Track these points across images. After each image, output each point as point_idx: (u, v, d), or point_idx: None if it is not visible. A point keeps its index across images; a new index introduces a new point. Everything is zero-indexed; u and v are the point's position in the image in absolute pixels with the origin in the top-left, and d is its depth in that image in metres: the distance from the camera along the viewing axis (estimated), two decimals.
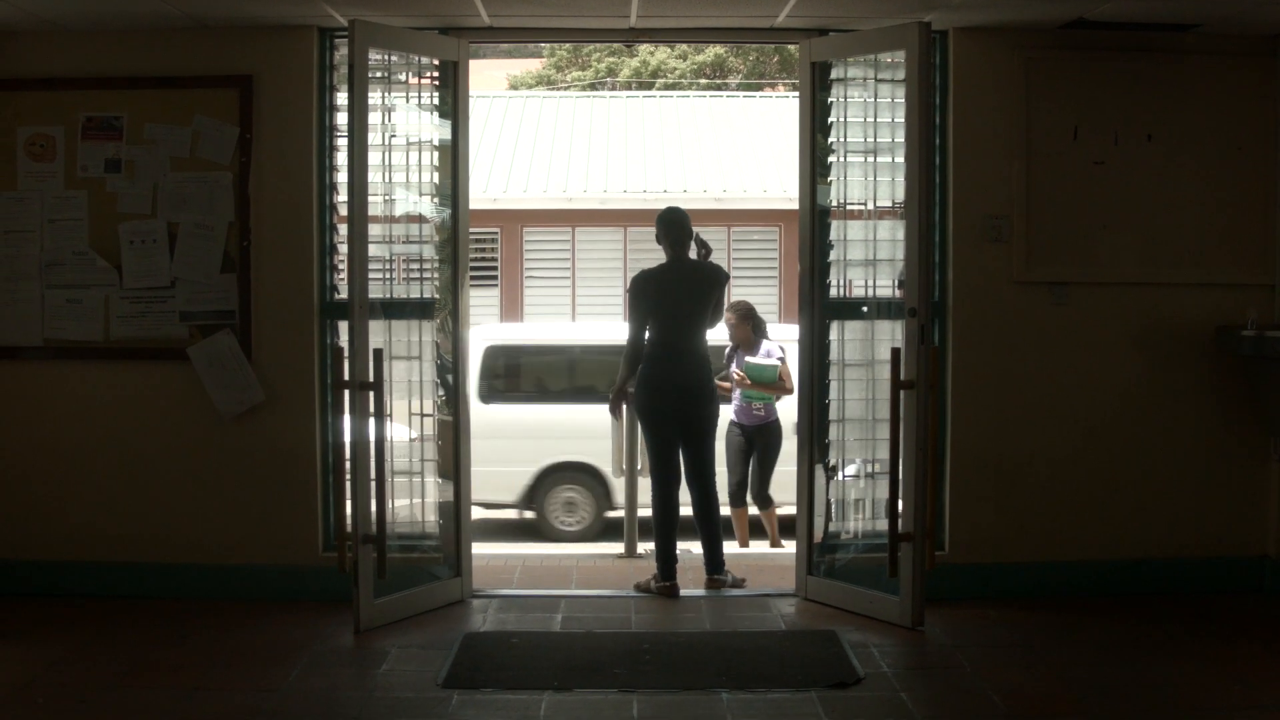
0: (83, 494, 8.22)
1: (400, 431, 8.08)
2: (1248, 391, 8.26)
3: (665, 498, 8.62)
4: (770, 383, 10.82)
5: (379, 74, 7.77)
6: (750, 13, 7.97)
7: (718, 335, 9.57)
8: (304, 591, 8.10)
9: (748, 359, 10.82)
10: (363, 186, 7.46)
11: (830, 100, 8.14)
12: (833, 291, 8.23)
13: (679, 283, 8.58)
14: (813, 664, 7.00)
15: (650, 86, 33.63)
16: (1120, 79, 8.17)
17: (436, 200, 8.13)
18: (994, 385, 8.20)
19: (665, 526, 8.55)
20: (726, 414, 10.09)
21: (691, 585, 8.69)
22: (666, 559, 8.52)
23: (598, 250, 22.24)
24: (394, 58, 7.88)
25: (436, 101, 8.13)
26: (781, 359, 10.80)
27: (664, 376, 8.54)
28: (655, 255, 8.69)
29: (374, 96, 7.64)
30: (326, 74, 8.22)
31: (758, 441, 10.96)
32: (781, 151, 22.64)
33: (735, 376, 10.82)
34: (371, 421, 7.47)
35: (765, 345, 10.91)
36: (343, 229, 7.91)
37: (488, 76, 33.86)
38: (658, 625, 7.77)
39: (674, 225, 8.59)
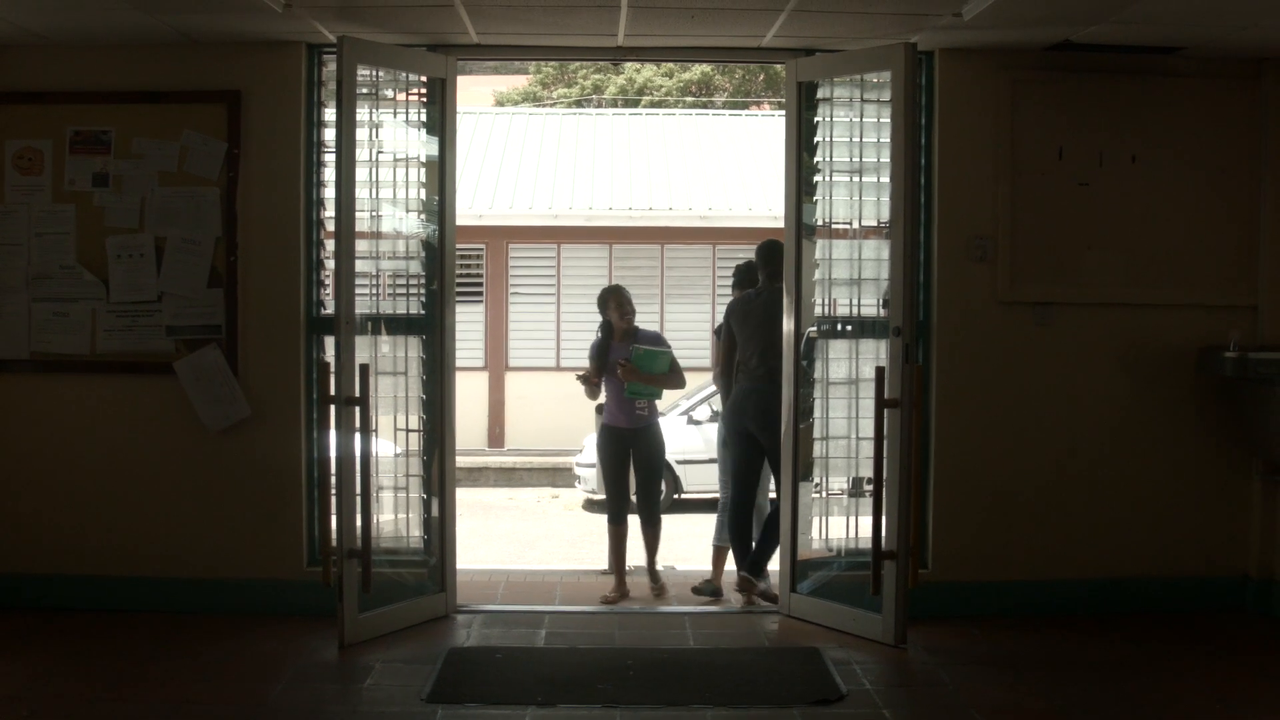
0: (68, 507, 8.22)
1: (386, 447, 8.10)
2: (1230, 412, 8.30)
3: (742, 513, 8.97)
4: (661, 374, 9.36)
5: (367, 90, 7.79)
6: (737, 32, 8.00)
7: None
8: (289, 606, 8.10)
9: (638, 345, 9.33)
10: (350, 202, 7.47)
11: (816, 120, 8.17)
12: (818, 310, 8.26)
13: (765, 309, 8.80)
14: (796, 681, 7.02)
15: (636, 104, 33.71)
16: (1105, 101, 8.22)
17: (423, 216, 8.15)
18: (978, 404, 8.24)
19: (743, 536, 8.94)
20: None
21: (675, 601, 8.74)
22: (745, 559, 8.92)
23: (583, 267, 22.23)
24: (382, 74, 7.90)
25: (424, 118, 8.16)
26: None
27: (745, 397, 8.80)
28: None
29: (362, 113, 7.66)
30: (315, 90, 8.25)
31: (638, 447, 9.39)
32: (766, 170, 22.72)
33: (620, 367, 9.26)
34: (357, 436, 7.49)
35: (644, 332, 9.56)
36: (330, 244, 7.95)
37: (474, 93, 33.94)
38: (641, 641, 7.78)
39: (775, 256, 8.77)
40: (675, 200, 22.62)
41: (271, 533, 8.18)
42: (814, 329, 8.26)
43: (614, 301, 9.58)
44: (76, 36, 7.92)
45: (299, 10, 7.36)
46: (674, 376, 9.38)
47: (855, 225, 8.08)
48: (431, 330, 8.18)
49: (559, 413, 20.86)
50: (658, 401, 9.49)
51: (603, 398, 9.51)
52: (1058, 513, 8.32)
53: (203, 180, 8.10)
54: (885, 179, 7.75)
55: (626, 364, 9.22)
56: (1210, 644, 7.81)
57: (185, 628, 7.88)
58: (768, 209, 21.60)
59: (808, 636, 7.85)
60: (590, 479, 16.34)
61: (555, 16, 7.64)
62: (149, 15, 7.42)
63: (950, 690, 6.93)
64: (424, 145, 8.14)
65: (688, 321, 21.28)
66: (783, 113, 8.63)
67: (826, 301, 8.24)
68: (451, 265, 8.23)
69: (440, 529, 8.21)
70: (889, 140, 7.67)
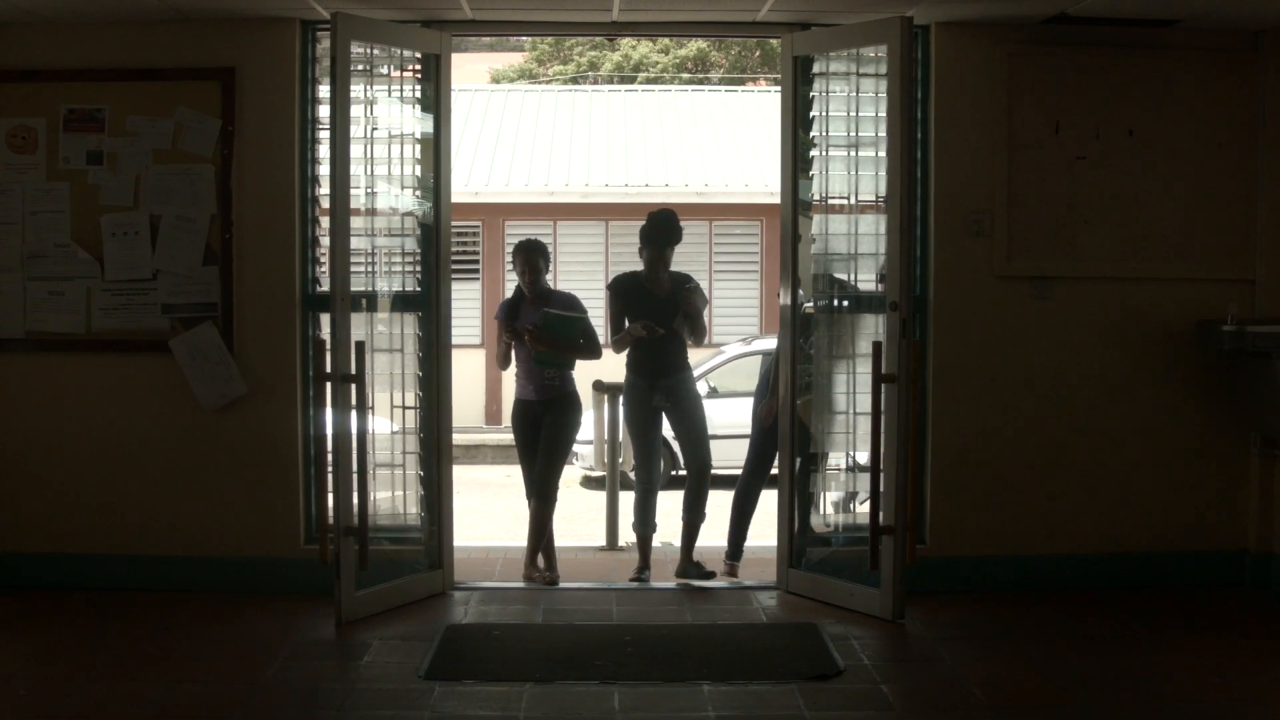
0: (64, 487, 8.21)
1: (382, 424, 8.09)
2: (1227, 386, 8.29)
3: (753, 487, 9.06)
4: (572, 342, 8.64)
5: (361, 67, 7.77)
6: (732, 6, 7.98)
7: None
8: (286, 584, 8.10)
9: (549, 310, 8.54)
10: (345, 179, 7.46)
11: (812, 95, 8.15)
12: (814, 285, 8.24)
13: None
14: (794, 656, 7.02)
15: (632, 81, 33.63)
16: (1102, 74, 8.20)
17: (418, 193, 8.13)
18: (975, 379, 8.23)
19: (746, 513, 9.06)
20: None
21: (671, 578, 8.73)
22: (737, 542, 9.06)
23: (579, 244, 22.22)
24: (376, 50, 7.88)
25: (418, 94, 8.13)
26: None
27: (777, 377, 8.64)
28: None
29: (356, 89, 7.65)
30: (309, 67, 8.22)
31: (546, 419, 8.72)
32: (763, 146, 22.67)
33: (526, 333, 8.50)
34: (353, 414, 7.48)
35: (559, 295, 8.85)
36: (325, 221, 7.91)
37: (470, 70, 33.82)
38: (639, 618, 7.77)
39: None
40: (671, 177, 22.60)
41: (268, 510, 8.17)
42: (811, 304, 8.25)
43: (518, 260, 8.74)
44: (70, 14, 7.89)
45: None
46: (587, 346, 8.66)
47: (852, 200, 8.07)
48: (427, 307, 8.16)
49: None
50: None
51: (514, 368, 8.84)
52: (1055, 487, 8.32)
53: (197, 158, 8.07)
54: (882, 154, 7.73)
55: (534, 329, 8.46)
56: (1208, 618, 7.82)
57: (182, 606, 7.88)
58: (764, 185, 21.57)
59: (805, 612, 7.85)
60: (588, 455, 16.30)
61: None
62: None
63: (948, 665, 6.94)
64: (419, 122, 8.11)
65: None
66: (778, 88, 8.60)
67: (823, 277, 8.23)
68: (447, 242, 8.21)
69: (437, 506, 8.21)
70: (885, 115, 7.64)
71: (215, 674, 6.73)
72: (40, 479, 8.22)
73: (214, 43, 8.04)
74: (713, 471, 8.78)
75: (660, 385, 8.68)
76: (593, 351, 8.68)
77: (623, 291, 8.73)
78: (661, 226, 8.68)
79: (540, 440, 8.68)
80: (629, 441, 10.68)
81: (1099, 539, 8.36)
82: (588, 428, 15.27)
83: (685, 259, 21.66)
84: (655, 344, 8.60)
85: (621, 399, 8.98)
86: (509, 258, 21.69)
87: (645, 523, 8.92)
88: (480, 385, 22.01)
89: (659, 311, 8.62)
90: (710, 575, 8.69)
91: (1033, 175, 8.18)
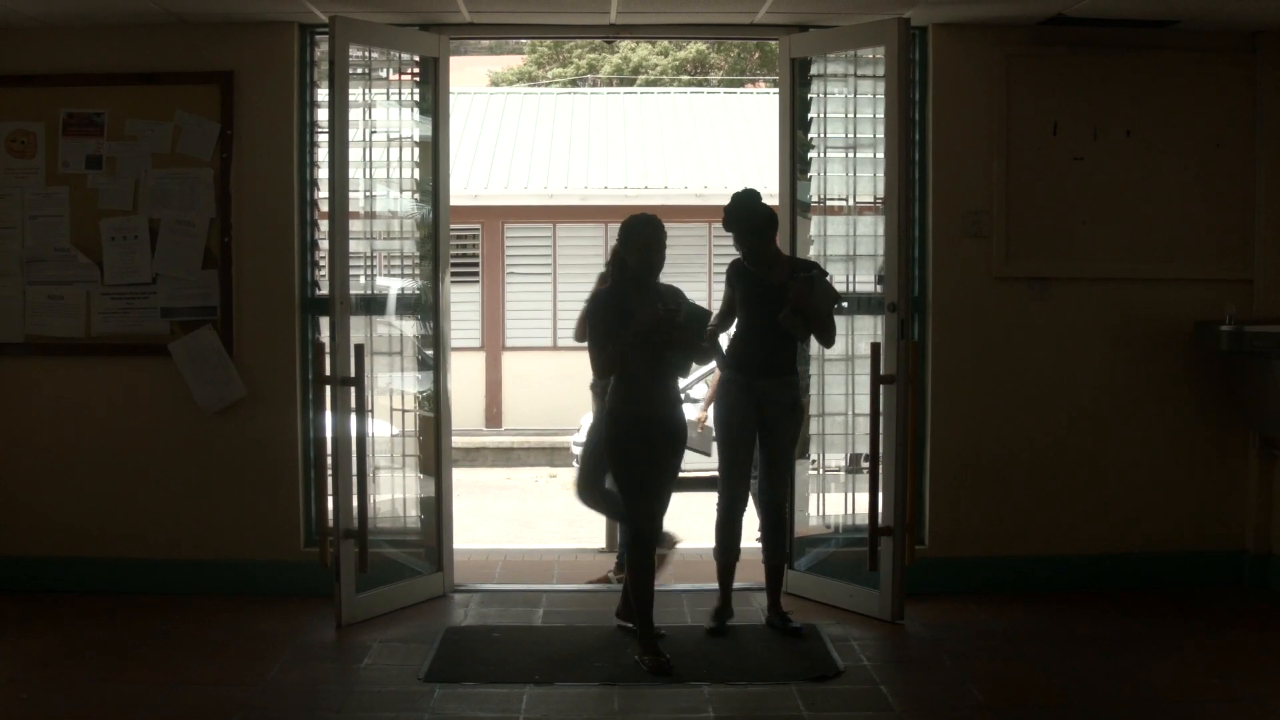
0: (65, 490, 8.21)
1: (381, 427, 8.10)
2: (1226, 386, 8.30)
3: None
4: (699, 339, 6.98)
5: (360, 70, 7.78)
6: (730, 9, 7.99)
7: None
8: (286, 587, 8.10)
9: (695, 305, 7.03)
10: (344, 182, 7.47)
11: (810, 96, 8.16)
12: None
13: None
14: (793, 657, 7.03)
15: (631, 83, 33.65)
16: (1099, 75, 8.20)
17: (417, 196, 8.14)
18: (974, 380, 8.23)
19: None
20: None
21: (673, 579, 8.70)
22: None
23: (579, 246, 22.21)
24: (374, 54, 7.89)
25: (417, 97, 8.14)
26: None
27: None
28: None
29: (355, 93, 7.66)
30: (307, 70, 8.22)
31: (673, 441, 7.09)
32: (762, 148, 22.66)
33: (675, 329, 6.76)
34: (353, 417, 7.48)
35: (665, 286, 7.15)
36: (324, 225, 7.92)
37: (469, 73, 33.85)
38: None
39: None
40: (671, 179, 22.60)
41: (268, 513, 8.17)
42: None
43: (637, 238, 7.11)
44: (69, 18, 7.89)
45: None
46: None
47: (850, 201, 8.08)
48: (427, 310, 8.17)
49: (556, 392, 20.85)
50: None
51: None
52: (1054, 488, 8.32)
53: (196, 161, 8.08)
54: (880, 155, 7.75)
55: (685, 329, 6.81)
56: (1207, 618, 7.82)
57: (182, 609, 7.88)
58: (763, 186, 21.45)
59: (805, 613, 7.83)
60: None
61: None
62: None
63: (948, 665, 6.94)
64: (417, 125, 8.12)
65: None
66: (777, 90, 8.62)
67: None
68: (446, 245, 8.22)
69: (437, 509, 8.21)
70: (883, 116, 7.65)
71: (215, 676, 6.74)
72: (40, 483, 8.22)
73: (212, 47, 8.05)
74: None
75: (757, 386, 7.46)
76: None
77: (733, 278, 7.63)
78: (732, 211, 7.64)
79: (659, 466, 7.00)
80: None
81: (1098, 539, 8.36)
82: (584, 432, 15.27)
83: (684, 261, 21.80)
84: (760, 338, 7.45)
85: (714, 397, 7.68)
86: (509, 260, 22.06)
87: (729, 549, 7.60)
88: (480, 388, 22.03)
89: (766, 302, 7.40)
90: (799, 630, 7.48)
91: (1031, 176, 8.19)
